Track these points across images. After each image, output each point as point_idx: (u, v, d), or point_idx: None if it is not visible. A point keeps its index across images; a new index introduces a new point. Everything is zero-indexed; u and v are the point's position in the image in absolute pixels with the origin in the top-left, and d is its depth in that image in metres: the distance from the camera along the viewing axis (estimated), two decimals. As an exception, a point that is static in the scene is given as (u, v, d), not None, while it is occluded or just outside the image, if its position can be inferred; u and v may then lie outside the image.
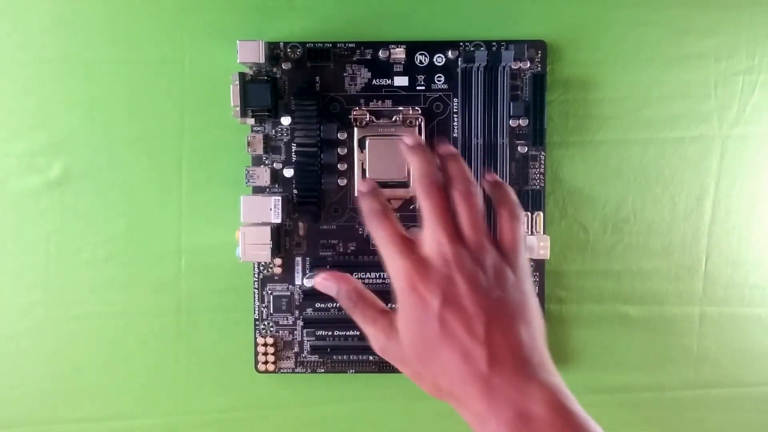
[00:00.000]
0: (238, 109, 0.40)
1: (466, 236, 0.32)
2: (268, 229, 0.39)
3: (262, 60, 0.39)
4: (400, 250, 0.32)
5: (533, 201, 0.42)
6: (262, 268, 0.43)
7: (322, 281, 0.36)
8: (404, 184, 0.41)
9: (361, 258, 0.43)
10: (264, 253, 0.39)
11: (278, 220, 0.40)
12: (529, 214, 0.42)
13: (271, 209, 0.39)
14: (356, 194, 0.35)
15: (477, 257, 0.32)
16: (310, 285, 0.42)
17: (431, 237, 0.32)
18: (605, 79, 0.43)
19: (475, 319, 0.30)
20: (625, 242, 0.44)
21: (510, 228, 0.34)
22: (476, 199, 0.33)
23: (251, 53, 0.39)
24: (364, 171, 0.41)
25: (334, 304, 0.43)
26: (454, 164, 0.34)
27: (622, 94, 0.43)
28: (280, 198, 0.40)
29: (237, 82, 0.40)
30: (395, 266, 0.32)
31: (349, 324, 0.40)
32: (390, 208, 0.34)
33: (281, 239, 0.42)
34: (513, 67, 0.42)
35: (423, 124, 0.42)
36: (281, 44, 0.42)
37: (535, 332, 0.31)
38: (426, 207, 0.33)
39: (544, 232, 0.42)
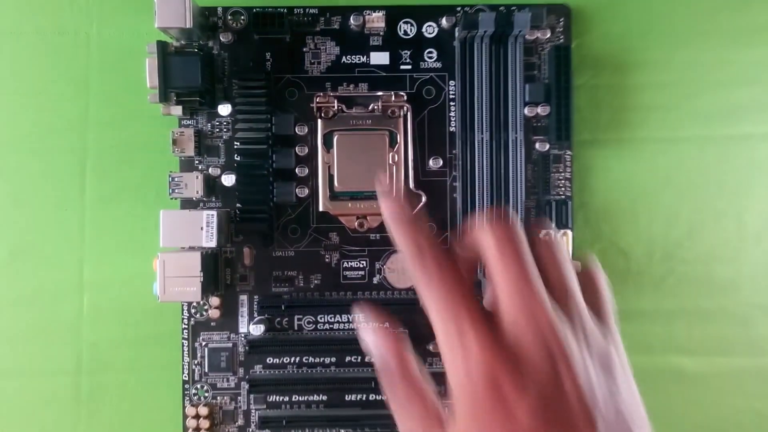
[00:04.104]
0: (156, 92, 0.34)
1: (560, 303, 0.26)
2: (198, 257, 0.34)
3: (188, 24, 0.33)
4: (474, 318, 0.24)
5: (557, 215, 0.37)
6: (193, 310, 0.38)
7: (367, 331, 0.29)
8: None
9: (328, 295, 0.38)
10: (192, 290, 0.34)
11: (213, 244, 0.35)
12: (552, 233, 0.35)
13: (203, 229, 0.34)
14: (383, 212, 0.27)
15: (583, 336, 0.25)
16: (258, 333, 0.36)
17: (518, 305, 0.24)
18: (648, 58, 0.39)
19: None
20: (678, 273, 0.39)
21: (602, 293, 0.28)
22: (564, 248, 0.28)
23: (174, 16, 0.33)
24: (331, 177, 0.36)
25: (292, 359, 0.37)
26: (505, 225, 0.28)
27: (670, 78, 0.39)
28: (215, 213, 0.35)
29: (155, 54, 0.34)
30: (463, 345, 0.24)
31: (312, 386, 0.37)
32: (436, 238, 0.27)
33: (219, 271, 0.37)
34: (528, 37, 0.37)
35: (410, 114, 0.37)
36: (219, 10, 0.37)
37: None
38: (504, 262, 0.25)
39: (572, 259, 0.37)
